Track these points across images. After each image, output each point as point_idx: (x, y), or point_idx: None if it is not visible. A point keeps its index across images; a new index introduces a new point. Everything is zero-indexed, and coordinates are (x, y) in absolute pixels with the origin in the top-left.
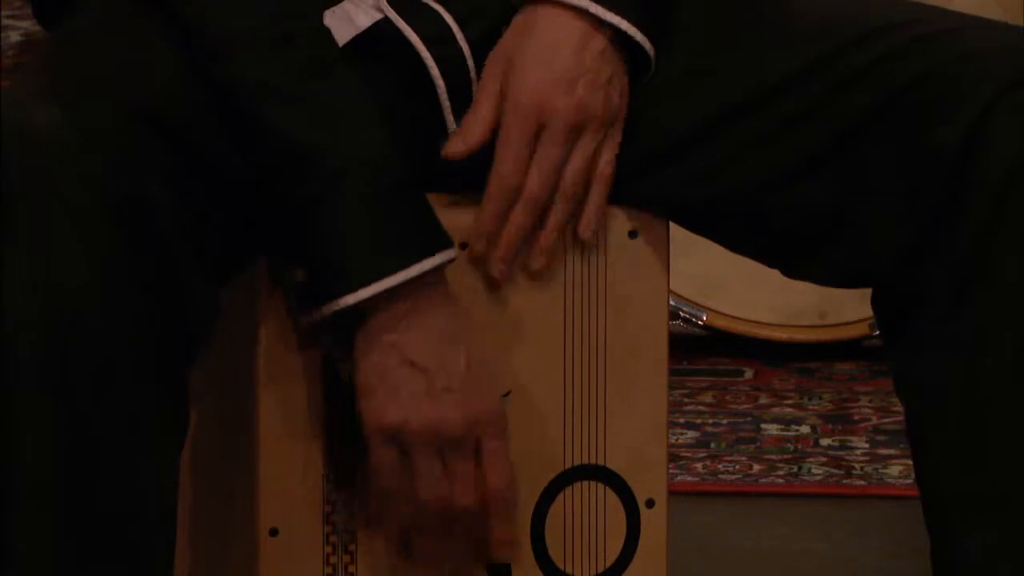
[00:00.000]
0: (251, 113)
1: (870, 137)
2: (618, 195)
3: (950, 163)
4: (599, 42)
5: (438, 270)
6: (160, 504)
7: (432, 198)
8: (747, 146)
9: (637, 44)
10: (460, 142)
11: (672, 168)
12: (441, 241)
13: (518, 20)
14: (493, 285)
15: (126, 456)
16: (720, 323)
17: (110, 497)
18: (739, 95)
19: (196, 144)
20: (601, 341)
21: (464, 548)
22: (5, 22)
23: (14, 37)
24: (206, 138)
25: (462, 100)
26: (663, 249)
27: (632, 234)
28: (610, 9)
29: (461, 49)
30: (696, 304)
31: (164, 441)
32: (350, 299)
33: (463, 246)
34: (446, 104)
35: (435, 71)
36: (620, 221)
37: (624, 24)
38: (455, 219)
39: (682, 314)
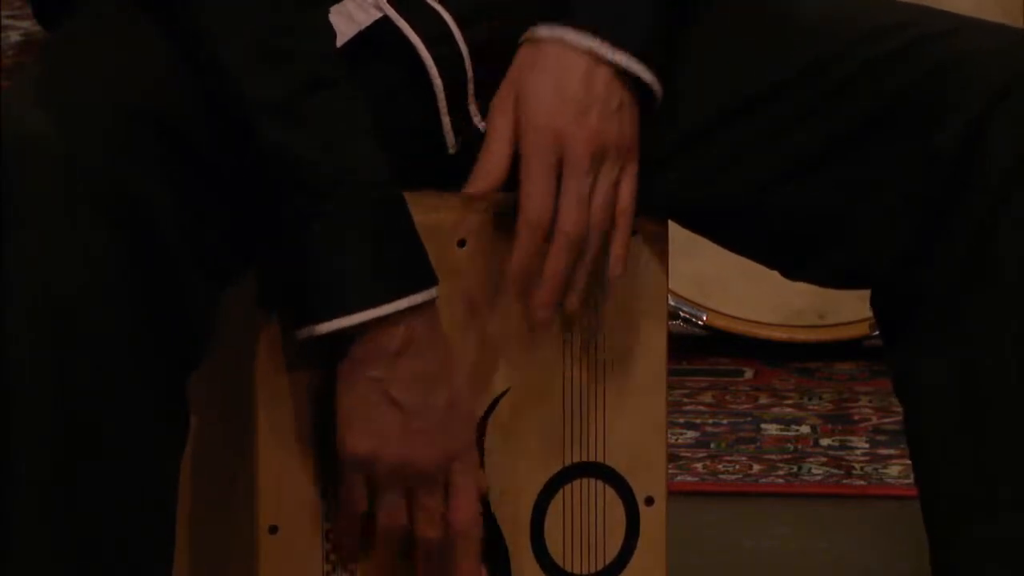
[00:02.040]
0: (247, 127)
1: (869, 138)
2: None
3: (950, 164)
4: (605, 72)
5: (426, 305)
6: (160, 506)
7: (430, 196)
8: (746, 147)
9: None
10: (480, 182)
11: (672, 170)
12: (427, 277)
13: (522, 55)
14: (494, 283)
15: (126, 457)
16: (720, 323)
17: (110, 498)
18: (738, 97)
19: (195, 145)
20: (601, 338)
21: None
22: (5, 22)
23: (14, 37)
24: (205, 139)
25: (459, 100)
26: (663, 246)
27: (631, 232)
28: (615, 46)
29: (460, 50)
30: (696, 304)
31: (164, 442)
32: (325, 327)
33: (461, 243)
34: (443, 105)
35: (434, 71)
36: None
37: (630, 63)
38: (454, 216)
39: (682, 314)
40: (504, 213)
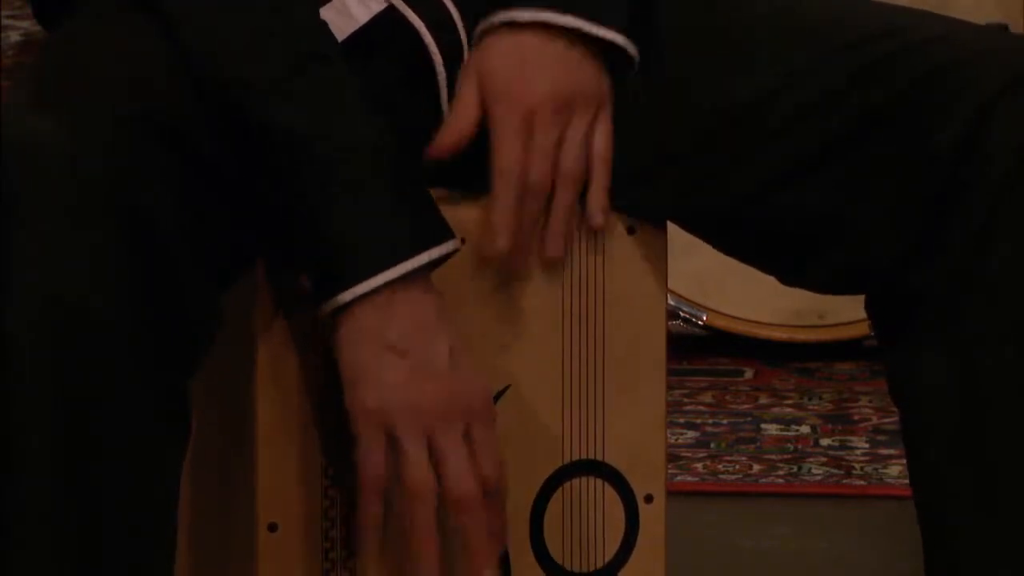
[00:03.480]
0: (243, 107)
1: (867, 141)
2: (615, 201)
3: (947, 165)
4: (559, 36)
5: (433, 263)
6: (161, 507)
7: (431, 193)
8: (744, 151)
9: (610, 43)
10: (447, 136)
11: (671, 172)
12: (438, 232)
13: (477, 47)
14: (493, 280)
15: (126, 458)
16: (720, 323)
17: (110, 499)
18: (735, 100)
19: (195, 145)
20: (600, 336)
21: (456, 543)
22: (5, 22)
23: (14, 37)
24: (204, 141)
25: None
26: (661, 244)
27: (630, 230)
28: (567, 12)
29: (460, 37)
30: (696, 304)
31: (165, 443)
32: (347, 296)
33: (460, 241)
34: (444, 92)
35: (438, 58)
36: (618, 217)
37: (616, 37)
38: (456, 214)
39: (682, 314)
40: None
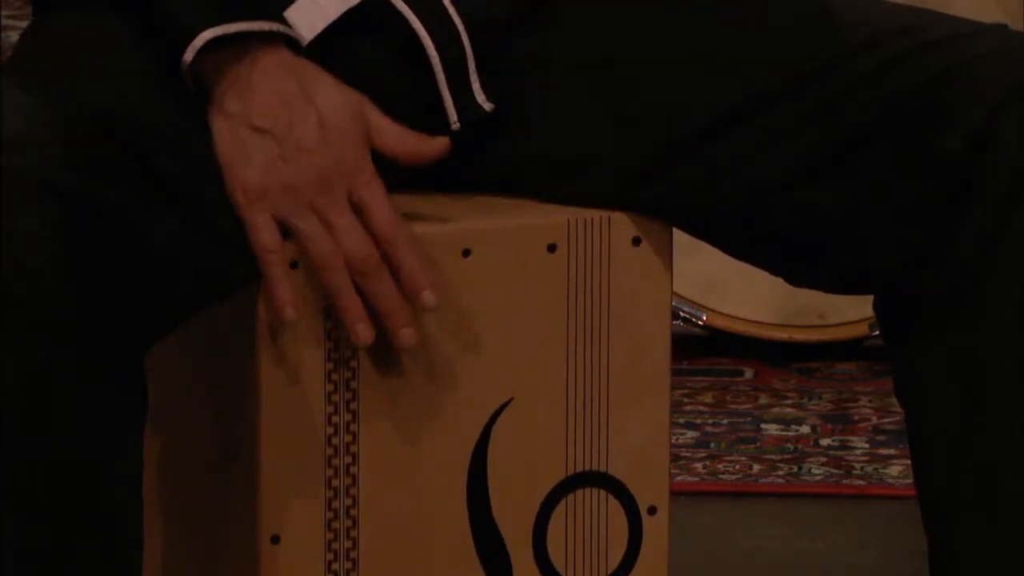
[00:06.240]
0: None
1: (874, 143)
2: (621, 201)
3: (954, 168)
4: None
5: (271, 36)
6: (125, 482)
7: (434, 204)
8: (750, 152)
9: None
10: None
11: (675, 173)
12: (273, 14)
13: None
14: (498, 292)
15: (87, 427)
16: (720, 323)
17: (74, 469)
18: (741, 101)
19: (145, 147)
20: (604, 348)
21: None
22: (5, 22)
23: (14, 37)
24: (156, 142)
25: (458, 74)
26: (666, 256)
27: (635, 241)
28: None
29: (456, 26)
30: (696, 304)
31: (124, 414)
32: (188, 53)
33: (466, 253)
34: (442, 80)
35: (429, 43)
36: (624, 228)
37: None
38: (458, 226)
39: (682, 314)
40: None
